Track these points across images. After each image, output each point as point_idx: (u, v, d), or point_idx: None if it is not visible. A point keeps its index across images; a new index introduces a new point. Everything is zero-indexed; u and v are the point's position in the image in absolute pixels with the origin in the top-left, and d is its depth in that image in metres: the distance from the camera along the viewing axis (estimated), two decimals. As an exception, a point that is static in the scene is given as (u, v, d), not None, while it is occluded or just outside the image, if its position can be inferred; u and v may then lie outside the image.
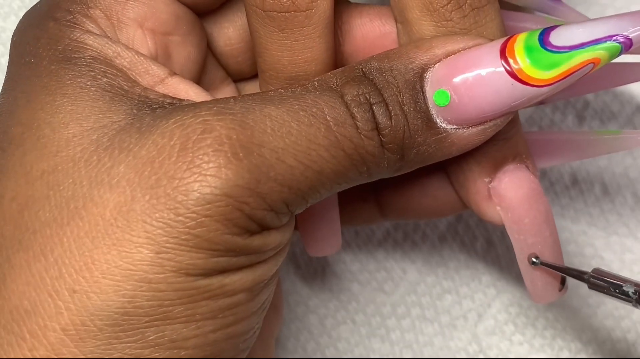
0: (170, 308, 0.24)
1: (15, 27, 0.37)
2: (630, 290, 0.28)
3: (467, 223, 0.39)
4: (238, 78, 0.32)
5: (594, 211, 0.38)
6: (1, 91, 0.28)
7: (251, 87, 0.32)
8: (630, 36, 0.26)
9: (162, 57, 0.29)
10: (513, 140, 0.29)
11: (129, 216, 0.24)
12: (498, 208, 0.29)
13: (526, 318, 0.38)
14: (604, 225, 0.38)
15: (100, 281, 0.24)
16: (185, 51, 0.29)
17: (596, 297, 0.38)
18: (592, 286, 0.29)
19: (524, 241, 0.30)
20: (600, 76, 0.32)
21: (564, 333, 0.38)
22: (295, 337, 0.39)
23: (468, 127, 0.26)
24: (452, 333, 0.39)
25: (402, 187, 0.32)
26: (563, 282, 0.31)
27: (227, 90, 0.32)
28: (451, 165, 0.30)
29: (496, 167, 0.29)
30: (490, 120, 0.26)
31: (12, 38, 0.28)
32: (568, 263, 0.38)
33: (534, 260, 0.30)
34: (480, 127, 0.27)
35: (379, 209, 0.33)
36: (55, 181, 0.25)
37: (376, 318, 0.39)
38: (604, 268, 0.38)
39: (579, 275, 0.29)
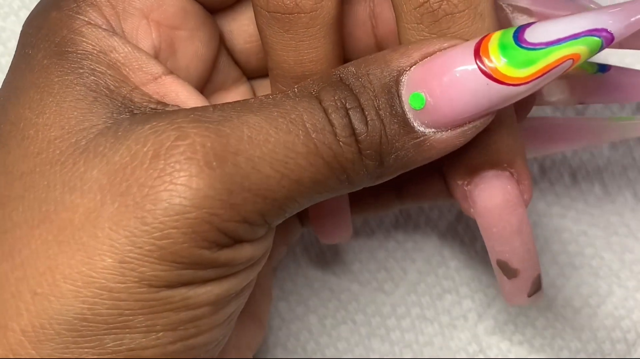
0: (130, 317, 0.24)
1: (15, 27, 0.38)
2: None
3: (467, 223, 0.39)
4: (259, 75, 0.32)
5: (594, 212, 0.38)
6: (3, 82, 0.28)
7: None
8: (611, 30, 0.25)
9: (167, 51, 0.28)
10: (492, 148, 0.28)
11: (96, 222, 0.24)
12: (472, 210, 0.29)
13: (526, 318, 0.38)
14: (604, 225, 0.38)
15: (61, 285, 0.24)
16: (192, 47, 0.29)
17: (596, 297, 0.38)
18: None
19: (492, 248, 0.29)
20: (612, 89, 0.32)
21: (564, 333, 0.38)
22: (295, 337, 0.39)
23: (447, 130, 0.26)
24: (452, 333, 0.39)
25: (420, 167, 0.32)
26: (537, 290, 0.30)
27: (240, 90, 0.32)
28: (441, 161, 0.30)
29: (471, 172, 0.28)
30: (469, 122, 0.26)
31: (22, 27, 0.28)
32: (568, 263, 0.38)
33: None
34: (459, 130, 0.26)
35: (396, 192, 0.33)
36: (31, 183, 0.25)
37: (376, 318, 0.39)
38: (604, 267, 0.38)
39: None
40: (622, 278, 0.38)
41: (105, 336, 0.24)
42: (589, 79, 0.32)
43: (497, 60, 0.25)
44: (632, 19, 0.25)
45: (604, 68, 0.32)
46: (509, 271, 0.30)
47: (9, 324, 0.24)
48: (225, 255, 0.25)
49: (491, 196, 0.29)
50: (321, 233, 0.33)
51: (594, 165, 0.38)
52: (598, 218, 0.38)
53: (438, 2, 0.26)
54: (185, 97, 0.27)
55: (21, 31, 0.28)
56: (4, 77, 0.28)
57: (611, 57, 0.38)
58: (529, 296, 0.30)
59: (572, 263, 0.38)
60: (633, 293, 0.38)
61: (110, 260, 0.23)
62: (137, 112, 0.26)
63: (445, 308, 0.39)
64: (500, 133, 0.28)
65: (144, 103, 0.26)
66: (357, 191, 0.32)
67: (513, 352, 0.38)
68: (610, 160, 0.38)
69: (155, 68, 0.27)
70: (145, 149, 0.24)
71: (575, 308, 0.38)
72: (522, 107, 0.31)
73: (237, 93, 0.32)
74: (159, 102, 0.26)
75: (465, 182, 0.29)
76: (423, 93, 0.25)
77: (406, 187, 0.33)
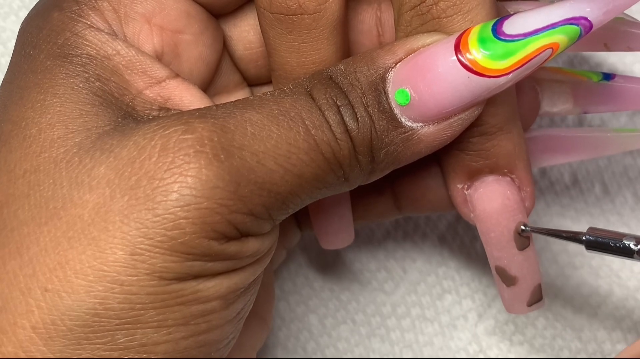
0: (142, 311, 0.24)
1: (15, 27, 0.38)
2: (631, 242, 0.27)
3: (467, 223, 0.39)
4: (256, 82, 0.32)
5: (594, 211, 0.38)
6: (2, 81, 0.28)
7: (268, 92, 0.32)
8: (589, 17, 0.25)
9: (170, 55, 0.29)
10: (490, 153, 0.28)
11: (107, 216, 0.24)
12: (472, 214, 0.29)
13: (526, 318, 0.38)
14: (604, 225, 0.38)
15: (73, 280, 0.24)
16: (196, 51, 0.29)
17: (597, 297, 0.38)
18: (590, 246, 0.28)
19: (490, 253, 0.29)
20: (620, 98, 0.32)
21: (564, 333, 0.38)
22: (295, 337, 0.39)
23: (434, 124, 0.26)
24: (452, 333, 0.39)
25: (419, 178, 0.32)
26: (537, 300, 0.30)
27: (240, 95, 0.32)
28: (442, 165, 0.30)
29: (470, 176, 0.29)
30: (455, 115, 0.26)
31: (21, 25, 0.28)
32: (568, 263, 0.38)
33: (522, 227, 0.29)
34: (445, 123, 0.26)
35: (394, 201, 0.33)
36: (36, 181, 0.25)
37: (376, 318, 0.39)
38: (604, 267, 0.38)
39: (574, 237, 0.28)
40: (623, 278, 0.38)
41: (117, 332, 0.24)
42: (593, 88, 0.32)
43: (476, 54, 0.25)
44: (610, 6, 0.25)
45: (608, 76, 0.32)
46: (507, 279, 0.30)
47: (19, 322, 0.24)
48: (233, 247, 0.25)
49: (490, 200, 0.29)
50: (323, 239, 0.33)
51: (594, 164, 0.38)
52: (598, 218, 0.38)
53: (428, 6, 0.26)
54: (189, 101, 0.27)
55: (20, 29, 0.28)
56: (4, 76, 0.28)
57: (611, 57, 0.38)
58: (529, 305, 0.30)
59: (572, 263, 0.38)
60: (633, 293, 0.38)
61: (121, 253, 0.24)
62: (140, 120, 0.26)
63: (445, 308, 0.39)
64: (499, 138, 0.28)
65: (146, 111, 0.27)
66: (356, 200, 0.32)
67: (513, 352, 0.38)
68: (610, 160, 0.38)
69: (160, 71, 0.27)
70: (153, 143, 0.24)
71: (576, 308, 0.38)
72: (525, 116, 0.31)
73: (239, 97, 0.32)
74: (161, 108, 0.27)
75: (466, 186, 0.29)
76: (407, 89, 0.26)
77: (405, 197, 0.33)
